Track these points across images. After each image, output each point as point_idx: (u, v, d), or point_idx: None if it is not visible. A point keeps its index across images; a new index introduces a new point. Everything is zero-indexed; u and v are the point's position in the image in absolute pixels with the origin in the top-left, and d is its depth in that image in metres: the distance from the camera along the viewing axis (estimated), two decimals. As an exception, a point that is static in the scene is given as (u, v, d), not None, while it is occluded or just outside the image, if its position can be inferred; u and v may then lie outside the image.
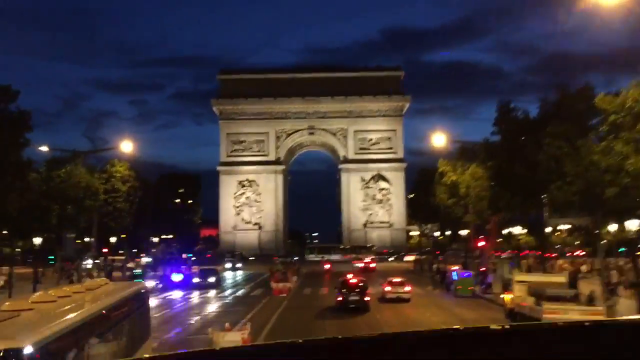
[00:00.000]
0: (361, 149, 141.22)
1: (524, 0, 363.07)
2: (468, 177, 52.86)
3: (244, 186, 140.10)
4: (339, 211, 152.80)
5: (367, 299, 38.38)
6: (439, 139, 52.34)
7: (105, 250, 55.06)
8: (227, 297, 50.49)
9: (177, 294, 51.30)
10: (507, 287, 31.91)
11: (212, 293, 52.73)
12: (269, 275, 54.02)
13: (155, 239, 73.80)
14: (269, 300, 46.57)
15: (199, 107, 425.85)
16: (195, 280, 55.78)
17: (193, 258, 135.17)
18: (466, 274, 47.46)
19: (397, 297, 44.97)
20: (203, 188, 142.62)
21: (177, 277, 54.43)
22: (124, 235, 78.29)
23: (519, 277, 31.72)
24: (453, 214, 54.42)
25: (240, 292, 54.77)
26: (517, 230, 52.23)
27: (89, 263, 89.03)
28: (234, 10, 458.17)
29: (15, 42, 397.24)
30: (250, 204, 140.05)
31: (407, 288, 45.76)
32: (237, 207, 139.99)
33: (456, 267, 57.67)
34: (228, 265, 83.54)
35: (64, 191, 46.69)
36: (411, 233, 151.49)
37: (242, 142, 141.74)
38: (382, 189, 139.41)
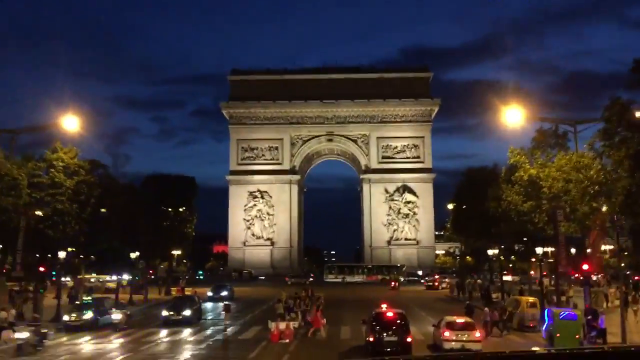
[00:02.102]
0: (385, 157, 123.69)
1: (544, 19, 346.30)
2: (554, 171, 35.59)
3: (255, 197, 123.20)
4: (359, 228, 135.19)
5: (409, 339, 27.61)
6: (513, 115, 34.90)
7: (42, 268, 38.17)
8: (203, 341, 33.09)
9: (125, 336, 33.94)
10: None
11: (185, 333, 35.32)
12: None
13: (134, 255, 57.10)
14: (262, 351, 29.34)
15: (219, 124, 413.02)
16: (165, 313, 38.60)
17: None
18: (568, 314, 29.72)
19: (461, 347, 28.46)
20: (219, 203, 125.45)
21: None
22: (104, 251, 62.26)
23: None
24: (530, 222, 36.94)
25: (229, 331, 37.25)
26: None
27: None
28: (254, 29, 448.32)
29: (41, 57, 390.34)
30: (261, 217, 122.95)
31: (477, 334, 29.04)
32: (248, 220, 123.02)
33: (531, 300, 39.84)
34: (210, 293, 60.12)
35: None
36: (437, 252, 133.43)
37: (253, 149, 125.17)
38: (408, 202, 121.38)
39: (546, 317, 30.91)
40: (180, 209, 66.40)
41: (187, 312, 38.38)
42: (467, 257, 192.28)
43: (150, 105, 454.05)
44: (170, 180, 65.79)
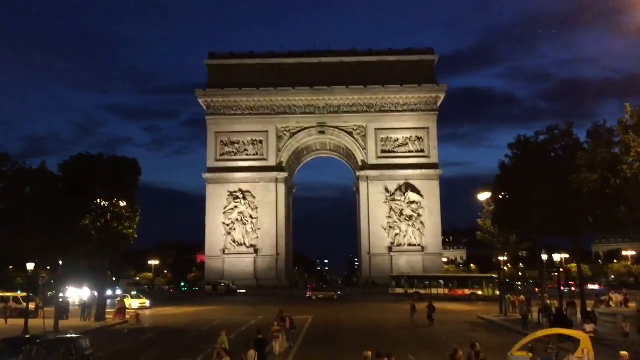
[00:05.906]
0: (384, 152, 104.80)
1: (536, 28, 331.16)
2: None
3: (236, 198, 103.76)
4: (353, 236, 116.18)
5: None
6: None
7: None
8: None
9: None
10: None
11: None
12: None
13: (31, 265, 37.37)
14: None
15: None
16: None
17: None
18: None
19: None
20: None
21: None
22: None
23: None
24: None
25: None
26: None
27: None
28: (247, 37, 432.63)
29: (36, 67, 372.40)
30: (243, 221, 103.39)
31: None
32: (228, 225, 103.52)
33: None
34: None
35: None
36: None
37: (234, 143, 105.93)
38: (412, 202, 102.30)
39: None
40: (121, 202, 47.11)
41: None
42: (472, 264, 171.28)
43: (143, 115, 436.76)
44: (101, 163, 46.40)
